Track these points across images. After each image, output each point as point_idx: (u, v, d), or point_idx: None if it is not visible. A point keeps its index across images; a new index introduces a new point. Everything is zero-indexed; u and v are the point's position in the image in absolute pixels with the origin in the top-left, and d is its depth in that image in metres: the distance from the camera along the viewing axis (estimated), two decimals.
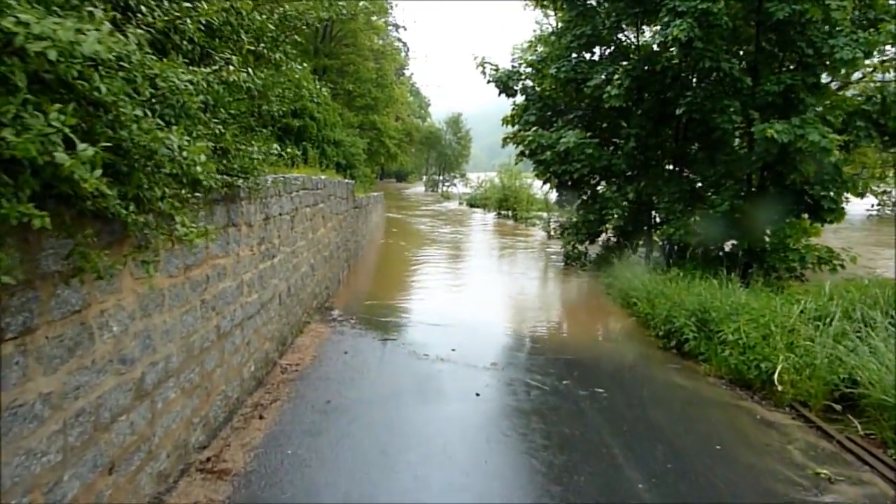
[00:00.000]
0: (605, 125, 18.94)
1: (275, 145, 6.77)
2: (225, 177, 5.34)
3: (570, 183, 18.04)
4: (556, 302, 14.89)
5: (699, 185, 17.27)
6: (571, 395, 7.83)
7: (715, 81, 14.66)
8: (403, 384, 7.99)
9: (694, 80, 16.71)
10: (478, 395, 7.70)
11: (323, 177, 13.07)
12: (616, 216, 16.13)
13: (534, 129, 17.67)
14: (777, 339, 8.10)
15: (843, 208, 14.31)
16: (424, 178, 76.12)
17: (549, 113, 19.53)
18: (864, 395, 6.97)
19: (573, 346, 10.46)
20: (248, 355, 7.47)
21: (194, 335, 5.73)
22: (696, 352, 9.50)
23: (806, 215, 15.09)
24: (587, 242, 18.53)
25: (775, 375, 7.65)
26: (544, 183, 19.15)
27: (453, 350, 9.73)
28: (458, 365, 9.05)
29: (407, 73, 66.82)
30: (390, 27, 52.35)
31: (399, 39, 57.09)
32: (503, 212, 37.20)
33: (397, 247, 23.19)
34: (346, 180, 17.13)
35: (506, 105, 20.91)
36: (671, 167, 18.32)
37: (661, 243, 18.09)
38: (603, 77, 17.17)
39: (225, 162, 5.39)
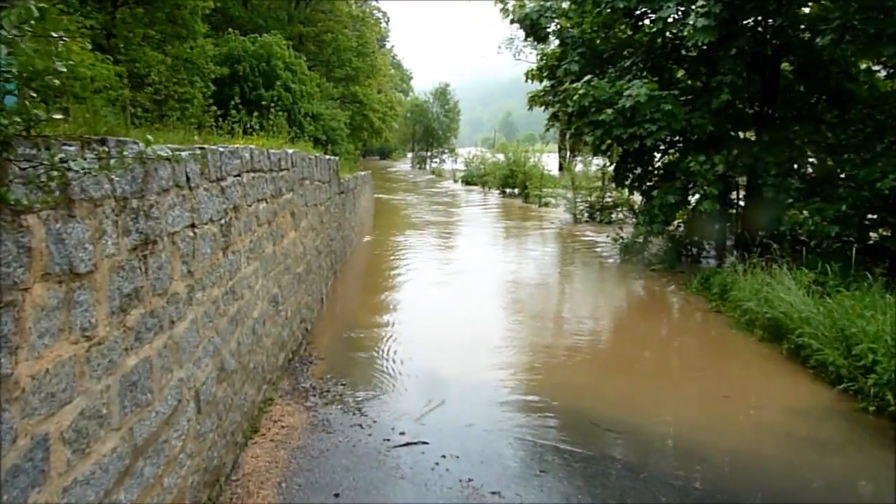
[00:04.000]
0: (658, 77, 13.95)
1: None
2: None
3: (633, 152, 13.27)
4: (656, 340, 9.65)
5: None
6: None
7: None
8: None
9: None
10: None
11: (291, 150, 8.30)
12: (708, 196, 11.51)
13: (584, 80, 12.83)
14: None
15: None
16: (411, 154, 70.62)
17: (585, 63, 14.66)
18: None
19: (747, 462, 5.60)
20: None
21: None
22: None
23: None
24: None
25: None
26: (597, 153, 14.45)
27: (541, 474, 5.12)
28: None
29: (388, 45, 61.95)
30: None
31: (378, 9, 52.70)
32: (508, 190, 32.39)
33: (396, 242, 18.37)
34: (328, 157, 12.34)
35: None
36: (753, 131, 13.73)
37: (744, 233, 13.48)
38: (673, 7, 12.41)
39: None
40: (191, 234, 4.26)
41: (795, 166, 12.28)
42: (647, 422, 6.33)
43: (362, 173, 20.68)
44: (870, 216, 10.86)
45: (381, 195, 31.16)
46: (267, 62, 19.82)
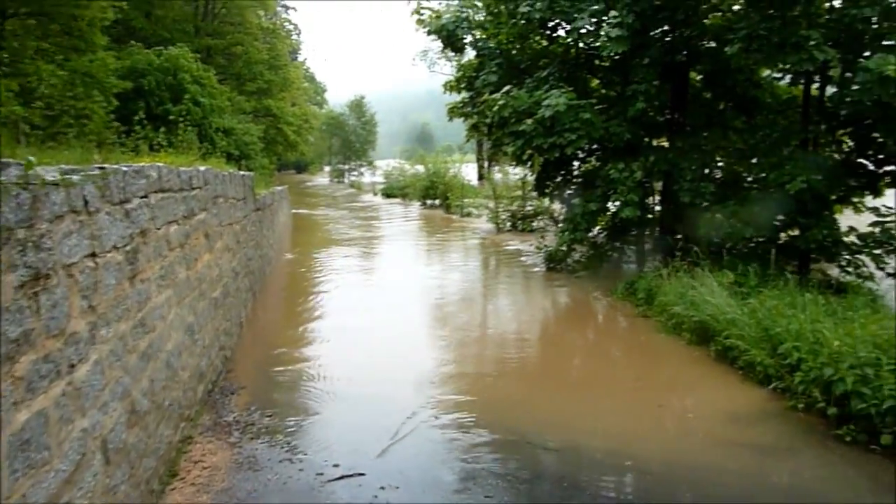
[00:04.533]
0: (575, 87, 14.10)
1: None
2: None
3: (553, 161, 13.33)
4: (587, 349, 9.86)
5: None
6: None
7: (767, 7, 10.31)
8: None
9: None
10: None
11: (203, 167, 7.81)
12: (629, 203, 11.72)
13: (503, 91, 12.84)
14: None
15: None
16: (328, 167, 69.60)
17: (503, 74, 14.66)
18: None
19: (691, 473, 5.47)
20: None
21: None
22: None
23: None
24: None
25: None
26: (518, 163, 14.48)
27: (486, 499, 4.89)
28: None
29: (300, 57, 60.90)
30: (279, 7, 46.86)
31: (289, 21, 51.61)
32: (429, 202, 32.27)
33: (318, 259, 17.82)
34: (243, 173, 11.79)
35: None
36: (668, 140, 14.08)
37: (664, 237, 13.82)
38: (587, 18, 12.63)
39: None
40: (91, 264, 3.80)
41: (708, 171, 12.70)
42: (587, 437, 6.22)
43: (279, 188, 20.05)
44: (781, 217, 11.29)
45: (300, 210, 30.46)
46: (174, 76, 18.91)
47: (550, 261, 14.54)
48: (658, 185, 13.93)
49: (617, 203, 12.45)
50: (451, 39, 15.04)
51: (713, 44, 12.33)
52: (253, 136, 25.77)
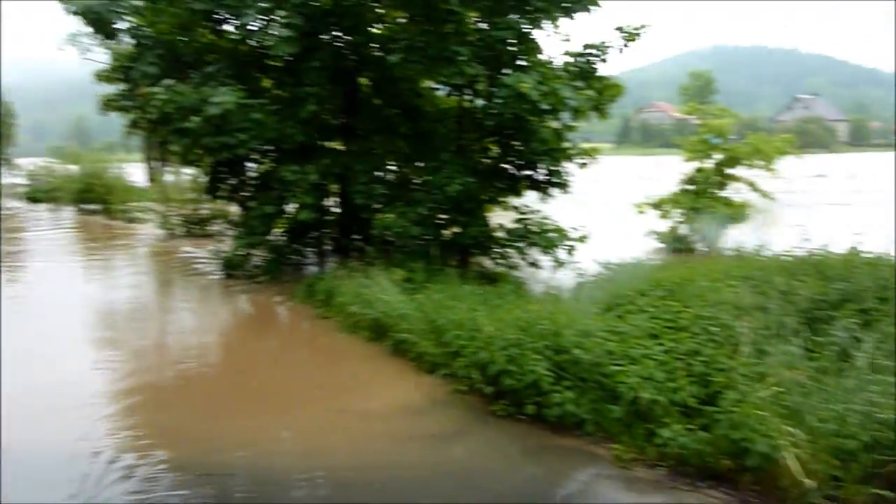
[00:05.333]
0: (246, 85, 13.65)
1: None
2: None
3: (225, 161, 12.67)
4: (267, 358, 9.18)
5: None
6: None
7: (425, 22, 11.18)
8: None
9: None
10: None
11: None
12: (307, 206, 11.69)
13: (166, 84, 11.78)
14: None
15: (568, 181, 12.45)
16: None
17: (164, 66, 13.51)
18: None
19: (379, 476, 5.60)
20: None
21: None
22: (572, 419, 6.00)
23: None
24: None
25: (791, 463, 4.57)
26: (187, 163, 13.37)
27: None
28: None
29: None
30: None
31: None
32: (87, 206, 28.33)
33: None
34: None
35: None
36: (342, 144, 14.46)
37: (341, 239, 14.22)
38: (253, 14, 12.34)
39: None
40: None
41: (381, 174, 13.32)
42: (274, 456, 5.92)
43: None
44: (443, 216, 12.33)
45: None
46: None
47: (228, 267, 13.82)
48: (336, 188, 14.20)
49: (295, 205, 12.36)
50: (101, 23, 13.39)
51: (380, 53, 12.93)
52: None
